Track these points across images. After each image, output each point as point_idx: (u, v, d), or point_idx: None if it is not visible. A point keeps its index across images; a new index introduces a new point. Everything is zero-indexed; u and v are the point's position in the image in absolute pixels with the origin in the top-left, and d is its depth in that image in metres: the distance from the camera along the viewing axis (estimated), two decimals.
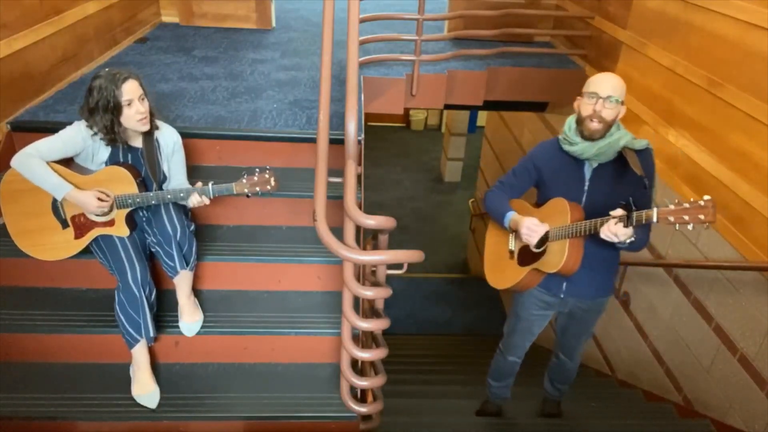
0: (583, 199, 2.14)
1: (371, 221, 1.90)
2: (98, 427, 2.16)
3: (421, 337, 5.99)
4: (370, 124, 11.22)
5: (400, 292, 6.56)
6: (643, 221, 1.81)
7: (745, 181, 2.45)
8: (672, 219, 1.74)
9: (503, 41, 4.20)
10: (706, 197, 1.71)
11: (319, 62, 2.31)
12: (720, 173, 2.59)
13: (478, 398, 3.05)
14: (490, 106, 4.28)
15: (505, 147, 6.40)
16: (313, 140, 2.66)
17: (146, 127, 2.13)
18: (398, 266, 2.06)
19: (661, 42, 3.06)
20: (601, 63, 3.76)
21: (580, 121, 2.04)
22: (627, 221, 1.83)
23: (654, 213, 1.77)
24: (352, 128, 2.18)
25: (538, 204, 2.29)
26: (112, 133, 2.09)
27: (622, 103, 2.00)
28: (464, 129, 9.39)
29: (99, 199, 2.08)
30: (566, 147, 2.11)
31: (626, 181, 2.07)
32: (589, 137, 2.03)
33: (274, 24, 4.70)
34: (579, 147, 2.06)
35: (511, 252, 2.35)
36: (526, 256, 2.26)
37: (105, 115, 2.04)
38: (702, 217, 1.69)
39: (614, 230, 1.85)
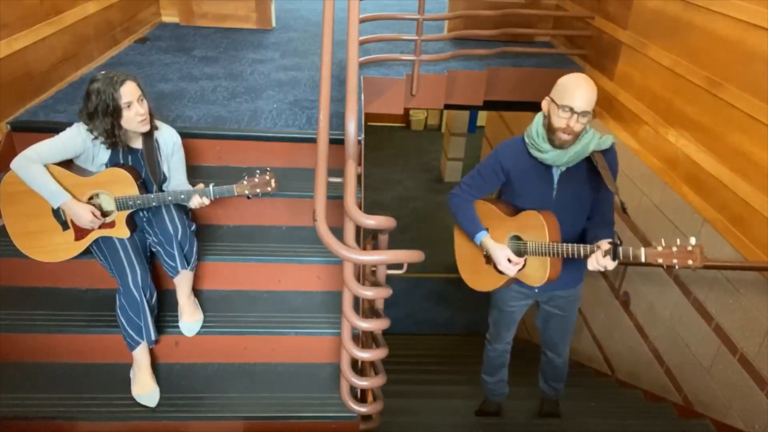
0: (552, 202, 2.13)
1: (371, 221, 1.90)
2: (98, 427, 2.16)
3: (421, 337, 5.99)
4: (370, 124, 11.22)
5: (400, 292, 6.56)
6: (631, 259, 1.83)
7: (745, 181, 2.45)
8: (661, 260, 1.77)
9: (503, 41, 4.20)
10: (693, 240, 1.73)
11: (319, 62, 2.31)
12: (720, 173, 2.59)
13: (478, 398, 3.05)
14: (490, 106, 4.28)
15: None
16: (313, 140, 2.66)
17: (147, 128, 2.13)
18: (398, 266, 2.06)
19: (661, 42, 3.06)
20: (601, 63, 3.76)
21: (550, 130, 1.98)
22: (613, 255, 1.85)
23: (642, 253, 1.80)
24: (352, 128, 2.18)
25: (500, 198, 2.29)
26: (113, 137, 2.09)
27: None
28: (464, 129, 9.39)
29: (93, 213, 2.10)
30: (535, 153, 2.07)
31: (593, 181, 2.07)
32: (559, 147, 2.00)
33: (274, 24, 4.70)
34: (549, 156, 2.02)
35: (487, 257, 2.33)
36: None
37: (105, 119, 2.04)
38: (690, 262, 1.73)
39: (603, 263, 1.88)
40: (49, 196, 2.05)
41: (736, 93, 2.49)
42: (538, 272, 2.14)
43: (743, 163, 2.47)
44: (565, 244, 2.01)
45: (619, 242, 1.86)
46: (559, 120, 1.93)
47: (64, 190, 2.07)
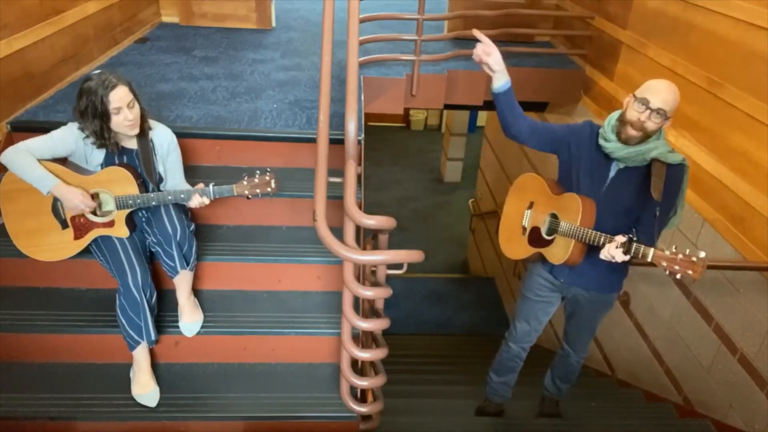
0: (601, 195, 2.14)
1: (371, 221, 1.90)
2: (98, 427, 2.16)
3: (421, 337, 5.99)
4: (370, 124, 11.22)
5: (400, 292, 6.56)
6: (640, 256, 1.89)
7: (745, 181, 2.45)
8: (665, 264, 1.84)
9: (503, 41, 4.19)
10: (702, 254, 1.79)
11: (319, 62, 2.31)
12: (720, 173, 2.59)
13: (478, 398, 3.05)
14: (490, 106, 4.27)
15: (505, 147, 6.40)
16: (313, 140, 2.66)
17: (135, 131, 2.11)
18: (398, 266, 2.06)
19: (661, 42, 3.06)
20: (601, 63, 3.76)
21: (622, 122, 2.01)
22: (626, 249, 1.90)
23: (650, 253, 1.87)
24: (352, 128, 2.18)
25: (559, 178, 2.32)
26: (102, 138, 2.08)
27: (670, 119, 1.96)
28: (464, 129, 9.39)
29: (83, 195, 2.07)
30: (600, 141, 2.10)
31: (646, 191, 2.04)
32: (624, 141, 2.01)
33: (274, 24, 4.70)
34: (610, 146, 2.05)
35: (524, 228, 2.40)
36: (536, 238, 2.32)
37: (94, 121, 2.03)
38: (690, 272, 1.79)
39: (613, 253, 1.93)
40: (36, 180, 2.03)
41: (736, 93, 2.49)
42: (560, 252, 2.18)
43: (743, 163, 2.47)
44: (588, 229, 2.04)
45: (634, 239, 1.91)
46: (633, 113, 1.96)
47: (54, 175, 2.05)
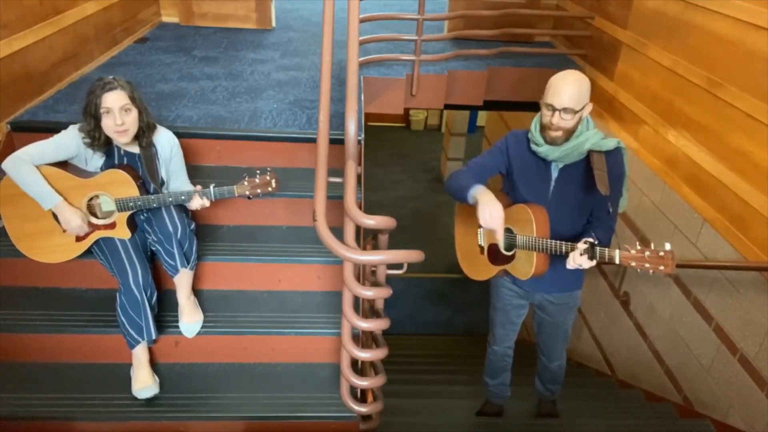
0: (549, 198, 2.14)
1: (371, 221, 1.90)
2: (98, 427, 2.17)
3: (421, 337, 5.99)
4: (370, 124, 11.21)
5: (400, 292, 6.56)
6: (606, 259, 1.86)
7: (745, 181, 2.45)
8: (634, 264, 1.80)
9: (503, 41, 4.20)
10: (667, 247, 1.75)
11: (319, 62, 2.31)
12: (720, 173, 2.59)
13: (479, 398, 3.05)
14: (490, 106, 4.28)
15: None
16: (313, 140, 2.66)
17: (124, 140, 2.11)
18: (398, 266, 2.06)
19: (661, 42, 3.06)
20: (601, 63, 3.76)
21: (541, 126, 2.02)
22: (590, 254, 1.87)
23: (616, 255, 1.83)
24: (352, 128, 2.19)
25: (503, 191, 2.30)
26: (92, 138, 2.09)
27: (584, 107, 1.96)
28: (464, 129, 9.38)
29: (82, 220, 2.09)
30: (532, 147, 2.10)
31: (593, 184, 2.04)
32: (550, 143, 2.01)
33: (274, 24, 4.70)
34: (543, 149, 2.05)
35: (481, 247, 2.36)
36: (497, 255, 2.28)
37: (89, 120, 2.05)
38: (662, 267, 1.75)
39: (579, 261, 1.90)
40: (38, 197, 2.04)
41: (736, 93, 2.49)
42: (525, 266, 2.15)
43: (743, 163, 2.47)
44: (549, 240, 2.03)
45: (596, 242, 1.89)
46: (545, 117, 1.98)
47: (57, 192, 2.06)
